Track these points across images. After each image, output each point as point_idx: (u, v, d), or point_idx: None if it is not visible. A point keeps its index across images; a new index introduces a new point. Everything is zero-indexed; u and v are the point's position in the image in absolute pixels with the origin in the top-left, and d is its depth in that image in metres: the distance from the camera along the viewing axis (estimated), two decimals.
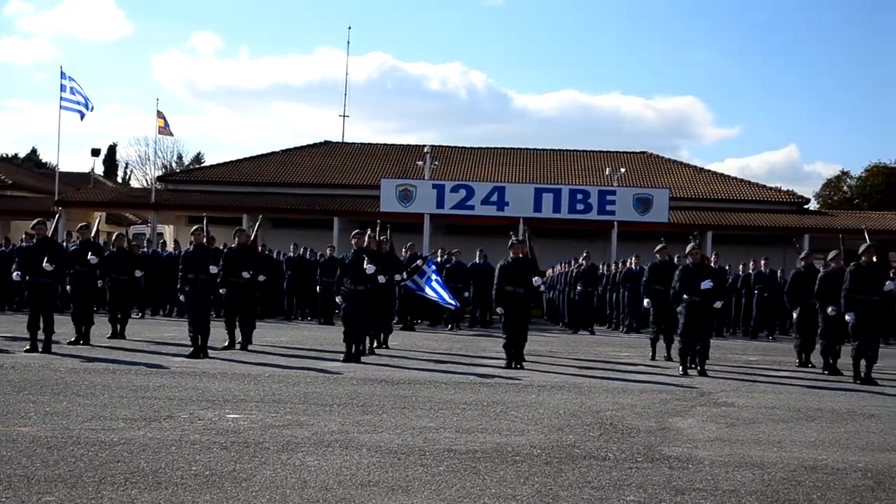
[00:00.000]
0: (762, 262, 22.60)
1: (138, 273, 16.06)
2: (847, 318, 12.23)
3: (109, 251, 15.95)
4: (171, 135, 35.12)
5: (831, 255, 13.66)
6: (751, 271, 22.55)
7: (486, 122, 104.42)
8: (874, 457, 7.08)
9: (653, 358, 14.40)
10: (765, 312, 21.93)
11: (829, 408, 9.70)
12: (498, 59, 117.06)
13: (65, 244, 16.69)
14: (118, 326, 15.29)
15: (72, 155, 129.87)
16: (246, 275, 14.11)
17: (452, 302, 16.25)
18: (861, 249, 12.62)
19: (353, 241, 13.30)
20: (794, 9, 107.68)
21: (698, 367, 12.50)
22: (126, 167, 72.48)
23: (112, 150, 72.03)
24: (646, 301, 15.00)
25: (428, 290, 16.01)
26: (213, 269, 13.15)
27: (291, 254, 23.54)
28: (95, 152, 46.32)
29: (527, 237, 13.46)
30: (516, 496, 5.49)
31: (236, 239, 14.41)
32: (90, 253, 14.17)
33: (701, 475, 6.20)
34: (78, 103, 31.31)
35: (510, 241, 13.29)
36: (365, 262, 12.78)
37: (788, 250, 36.36)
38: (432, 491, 5.55)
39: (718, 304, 12.84)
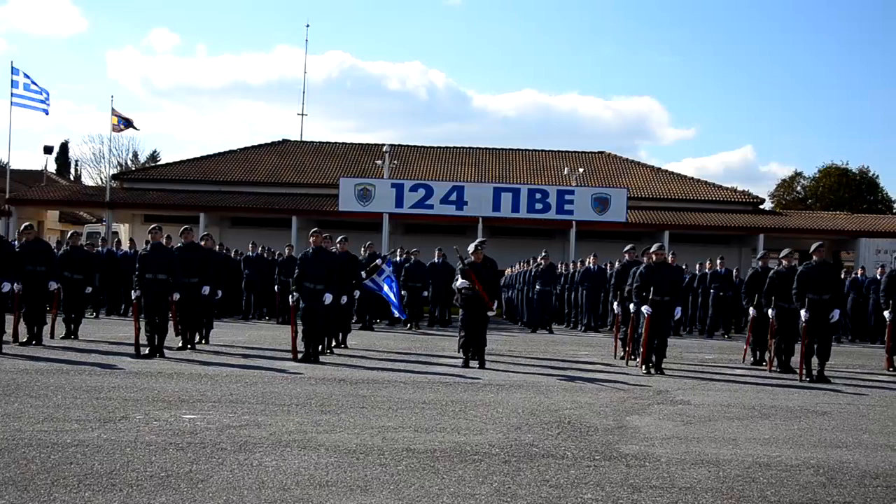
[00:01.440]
0: (718, 261, 22.86)
1: (88, 290, 15.78)
2: (802, 315, 12.42)
3: (64, 250, 15.69)
4: (137, 129, 34.53)
5: (783, 252, 13.90)
6: (707, 270, 22.79)
7: (445, 122, 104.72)
8: (826, 453, 7.20)
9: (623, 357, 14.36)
10: (720, 311, 22.19)
11: (782, 405, 9.84)
12: (458, 59, 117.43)
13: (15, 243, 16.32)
14: (72, 326, 15.06)
15: (23, 152, 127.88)
16: (206, 289, 14.04)
17: (397, 312, 16.16)
18: (812, 248, 12.83)
19: (311, 240, 13.22)
20: (749, 11, 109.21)
21: (654, 366, 12.61)
22: (76, 164, 71.41)
23: (64, 147, 70.89)
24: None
25: (386, 289, 15.91)
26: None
27: (250, 253, 23.35)
28: (48, 150, 45.56)
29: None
30: (475, 495, 5.49)
31: (182, 239, 14.20)
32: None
33: (657, 473, 6.26)
34: (33, 99, 30.74)
35: (475, 245, 13.29)
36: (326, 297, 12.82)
37: (744, 250, 36.99)
38: (391, 490, 5.54)
39: (678, 313, 12.93)
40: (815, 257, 12.66)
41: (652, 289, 12.62)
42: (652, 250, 13.14)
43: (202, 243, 14.83)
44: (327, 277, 12.91)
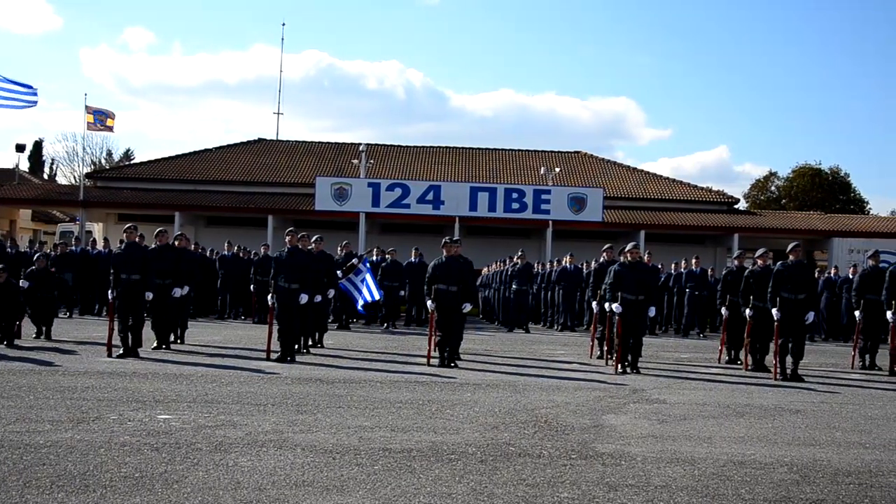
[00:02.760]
0: (693, 260, 23.00)
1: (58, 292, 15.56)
2: (774, 314, 12.52)
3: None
4: (109, 130, 34.09)
5: (758, 252, 14.01)
6: (682, 270, 22.92)
7: (423, 121, 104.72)
8: (800, 451, 7.26)
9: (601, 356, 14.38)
10: (696, 310, 22.33)
11: (757, 404, 9.91)
12: (435, 59, 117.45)
13: None
14: (43, 327, 14.90)
15: None
16: (178, 291, 13.89)
17: (376, 295, 15.92)
18: (789, 248, 12.94)
19: (286, 239, 13.18)
20: (725, 12, 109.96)
21: (630, 365, 12.65)
22: (52, 163, 70.69)
23: (38, 146, 70.15)
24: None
25: (359, 294, 15.74)
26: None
27: (225, 252, 23.22)
28: (20, 148, 45.01)
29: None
30: (451, 494, 5.49)
31: (156, 241, 14.07)
32: None
33: (633, 471, 6.28)
34: (9, 97, 30.26)
35: (443, 241, 13.39)
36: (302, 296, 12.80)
37: (719, 249, 37.23)
38: (367, 490, 5.52)
39: (652, 312, 13.04)
40: (791, 257, 12.76)
41: (625, 288, 12.67)
42: (627, 249, 13.18)
43: (176, 243, 14.72)
44: (302, 277, 12.88)
